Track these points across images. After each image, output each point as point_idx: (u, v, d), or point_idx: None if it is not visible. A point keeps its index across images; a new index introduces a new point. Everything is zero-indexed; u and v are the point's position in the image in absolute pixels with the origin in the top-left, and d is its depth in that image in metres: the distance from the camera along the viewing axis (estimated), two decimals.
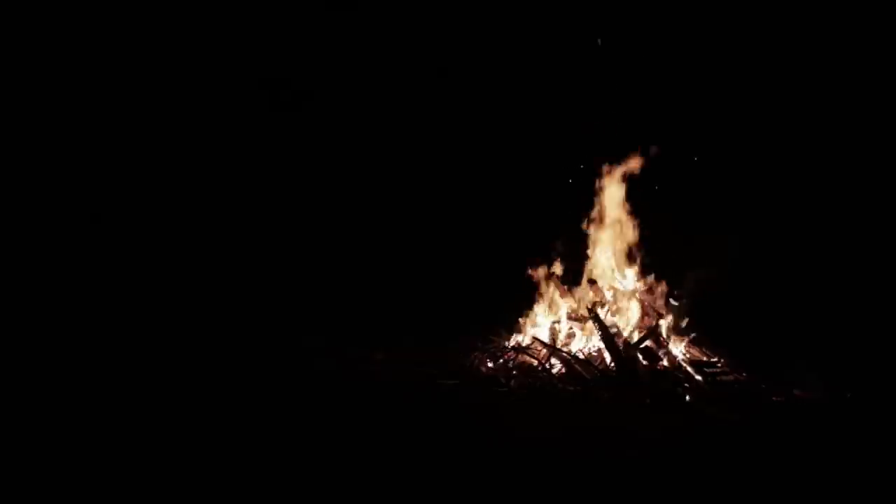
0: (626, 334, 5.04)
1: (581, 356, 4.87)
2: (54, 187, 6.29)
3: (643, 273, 5.45)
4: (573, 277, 5.53)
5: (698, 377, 4.69)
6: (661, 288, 5.36)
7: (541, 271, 5.54)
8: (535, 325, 5.41)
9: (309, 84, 6.85)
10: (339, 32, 6.76)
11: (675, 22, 6.20)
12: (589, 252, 5.57)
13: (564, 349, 5.01)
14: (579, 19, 6.34)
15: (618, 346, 4.77)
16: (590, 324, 5.08)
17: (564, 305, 5.41)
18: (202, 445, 3.25)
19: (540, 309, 5.48)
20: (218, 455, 3.13)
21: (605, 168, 5.57)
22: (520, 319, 5.51)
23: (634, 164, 5.52)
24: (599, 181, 5.59)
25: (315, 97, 6.90)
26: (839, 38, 6.03)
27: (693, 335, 5.17)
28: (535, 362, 4.91)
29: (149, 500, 2.70)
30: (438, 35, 6.57)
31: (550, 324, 5.33)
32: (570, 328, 5.26)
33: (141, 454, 3.10)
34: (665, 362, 4.80)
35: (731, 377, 4.71)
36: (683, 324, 5.26)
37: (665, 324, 5.19)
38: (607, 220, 5.55)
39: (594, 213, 5.58)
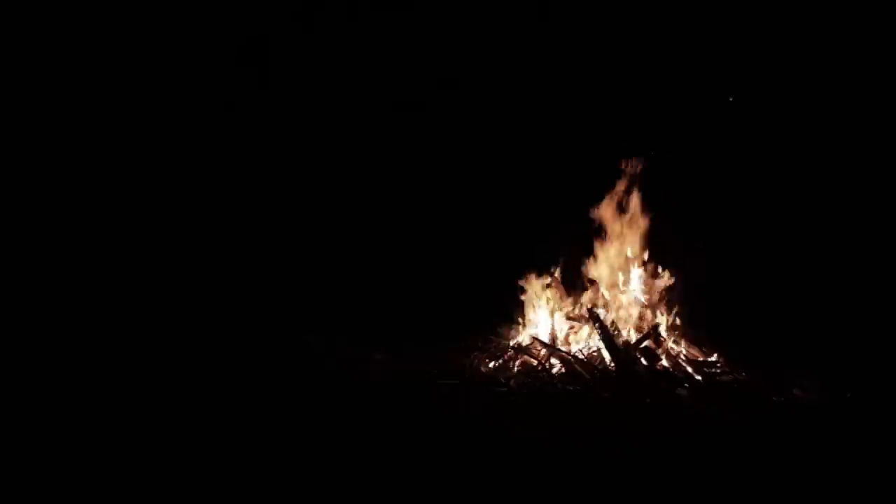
0: (625, 334, 5.04)
1: (581, 356, 4.87)
2: (52, 186, 6.28)
3: (643, 273, 5.45)
4: (573, 278, 5.54)
5: (698, 377, 4.69)
6: (661, 287, 5.37)
7: (540, 271, 5.54)
8: (534, 325, 5.41)
9: (309, 83, 6.85)
10: (339, 34, 6.76)
11: (675, 23, 6.20)
12: (589, 252, 5.58)
13: (564, 349, 5.02)
14: (580, 21, 6.34)
15: (618, 346, 4.77)
16: (589, 324, 5.08)
17: (564, 305, 5.42)
18: (201, 446, 3.25)
19: (539, 309, 5.48)
20: (217, 455, 3.13)
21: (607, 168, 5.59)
22: (520, 319, 5.51)
23: (636, 163, 5.54)
24: (600, 181, 5.61)
25: (315, 97, 6.90)
26: (839, 39, 6.04)
27: (693, 335, 5.18)
28: (535, 362, 4.91)
29: (149, 500, 2.70)
30: (436, 35, 6.57)
31: (550, 324, 5.33)
32: (570, 328, 5.26)
33: (141, 453, 3.11)
34: (665, 362, 4.80)
35: (730, 377, 4.71)
36: (682, 323, 5.28)
37: (665, 324, 5.20)
38: (608, 221, 5.56)
39: (595, 213, 5.58)
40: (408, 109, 6.75)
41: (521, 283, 5.49)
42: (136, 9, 6.32)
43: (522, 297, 5.49)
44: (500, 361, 5.06)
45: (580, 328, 5.21)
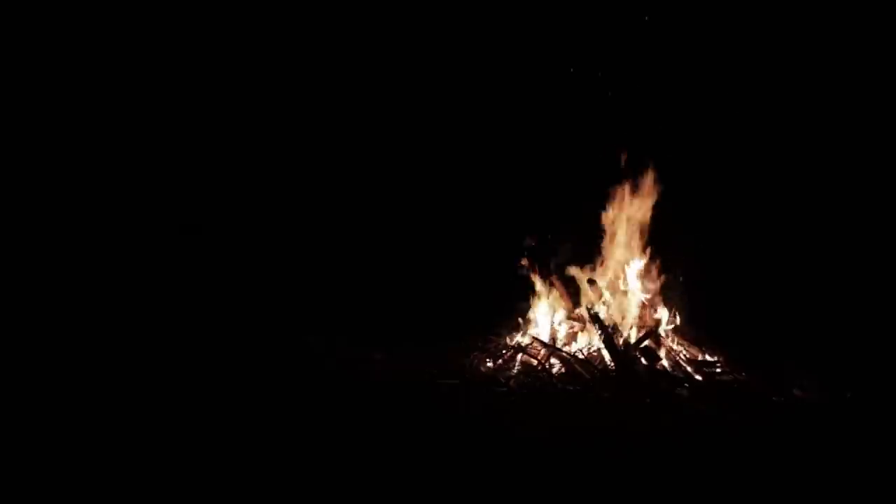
0: (625, 334, 5.04)
1: (581, 356, 4.88)
2: (53, 185, 6.28)
3: (643, 272, 5.45)
4: (573, 277, 5.53)
5: (698, 377, 4.69)
6: (661, 286, 5.37)
7: (540, 271, 5.55)
8: (534, 324, 5.41)
9: (307, 83, 6.85)
10: (337, 31, 6.76)
11: (676, 22, 6.20)
12: (589, 251, 5.58)
13: (564, 349, 5.02)
14: (580, 18, 6.34)
15: (618, 346, 4.77)
16: (589, 323, 5.08)
17: (564, 305, 5.42)
18: (201, 445, 3.25)
19: (540, 308, 5.48)
20: (217, 454, 3.13)
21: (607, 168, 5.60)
22: (520, 319, 5.51)
23: (635, 163, 5.55)
24: (600, 181, 5.61)
25: (313, 96, 6.89)
26: (839, 38, 6.04)
27: (693, 335, 5.17)
28: (535, 362, 4.91)
29: (149, 499, 2.70)
30: (435, 32, 6.57)
31: (550, 324, 5.33)
32: (571, 328, 5.26)
33: (141, 453, 3.11)
34: (665, 362, 4.80)
35: (730, 377, 4.71)
36: (682, 323, 5.28)
37: (664, 323, 5.20)
38: (609, 220, 5.56)
39: (595, 213, 5.59)
40: (406, 110, 6.75)
41: (521, 282, 5.49)
42: (134, 8, 6.33)
43: (523, 296, 5.50)
44: (500, 361, 5.05)
45: (580, 328, 5.21)
